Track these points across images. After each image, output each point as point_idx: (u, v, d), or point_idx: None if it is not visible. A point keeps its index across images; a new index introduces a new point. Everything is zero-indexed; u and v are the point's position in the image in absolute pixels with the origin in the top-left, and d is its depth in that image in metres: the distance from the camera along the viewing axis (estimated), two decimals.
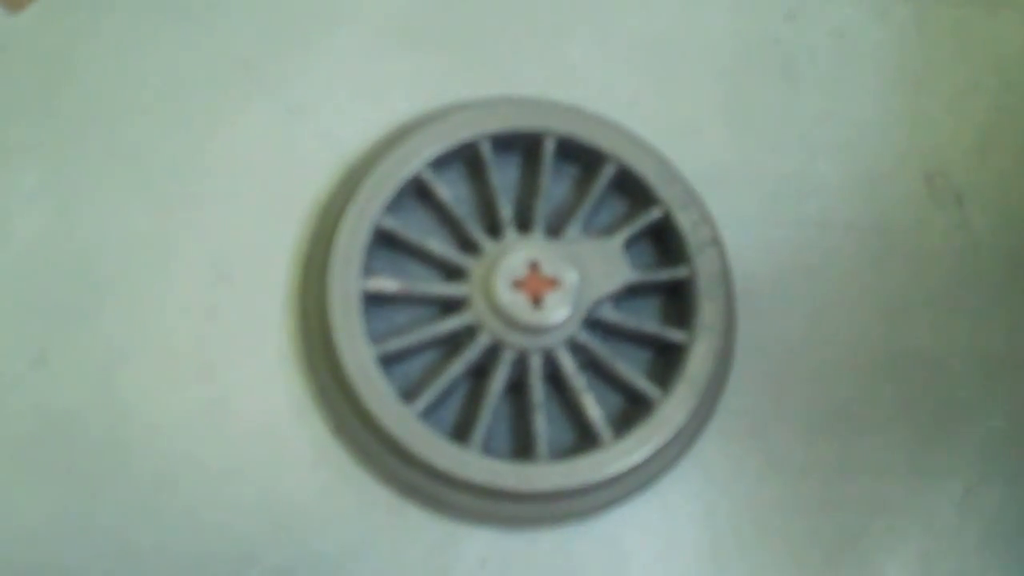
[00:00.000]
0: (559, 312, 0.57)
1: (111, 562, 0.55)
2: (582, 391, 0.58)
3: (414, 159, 0.59)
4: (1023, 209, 0.68)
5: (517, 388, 0.59)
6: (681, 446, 0.59)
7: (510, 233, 0.60)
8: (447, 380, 0.57)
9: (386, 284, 0.58)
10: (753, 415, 0.62)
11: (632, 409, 0.59)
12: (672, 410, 0.58)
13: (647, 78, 0.66)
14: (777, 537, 0.61)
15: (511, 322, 0.57)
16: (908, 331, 0.65)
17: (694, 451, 0.60)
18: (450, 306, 0.59)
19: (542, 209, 0.60)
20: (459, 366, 0.57)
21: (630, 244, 0.61)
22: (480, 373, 0.58)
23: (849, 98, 0.68)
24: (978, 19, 0.71)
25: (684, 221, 0.61)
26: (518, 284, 0.57)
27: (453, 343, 0.58)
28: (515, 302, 0.57)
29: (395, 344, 0.57)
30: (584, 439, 0.58)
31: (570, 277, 0.58)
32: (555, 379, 0.59)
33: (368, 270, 0.58)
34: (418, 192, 0.60)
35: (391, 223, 0.59)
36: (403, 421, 0.55)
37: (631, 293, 0.61)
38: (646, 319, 0.61)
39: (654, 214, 0.61)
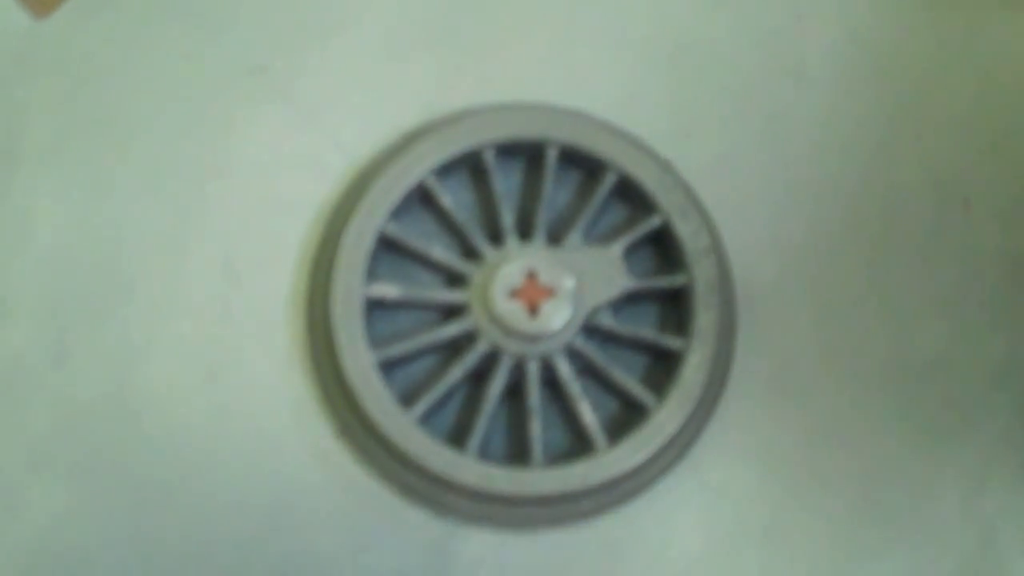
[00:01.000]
0: (555, 321, 0.58)
1: (122, 554, 0.57)
2: (578, 397, 0.59)
3: (419, 166, 0.61)
4: None
5: (514, 393, 0.60)
6: (676, 453, 0.60)
7: (511, 241, 0.61)
8: (446, 386, 0.59)
9: (388, 290, 0.59)
10: (751, 422, 0.63)
11: (627, 415, 0.60)
12: (666, 417, 0.59)
13: (654, 81, 0.67)
14: (774, 542, 0.62)
15: (508, 330, 0.58)
16: (911, 337, 0.65)
17: (689, 458, 0.61)
18: (450, 312, 0.60)
19: (543, 216, 0.62)
20: (458, 372, 0.59)
21: (630, 251, 0.62)
22: (479, 378, 0.60)
23: (857, 100, 0.68)
24: (991, 20, 0.71)
25: (683, 229, 0.62)
26: (515, 293, 0.59)
27: (453, 349, 0.60)
28: (512, 311, 0.58)
29: (396, 350, 0.59)
30: (579, 445, 0.60)
31: (567, 286, 0.59)
32: (552, 385, 0.60)
33: (372, 275, 0.60)
34: (422, 199, 0.62)
35: (395, 229, 0.60)
36: (402, 426, 0.57)
37: (630, 300, 0.62)
38: (644, 326, 0.62)
39: (654, 222, 0.62)
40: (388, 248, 0.61)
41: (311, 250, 0.62)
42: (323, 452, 0.59)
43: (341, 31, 0.65)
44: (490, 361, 0.59)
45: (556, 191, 0.63)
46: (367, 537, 0.59)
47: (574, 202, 0.63)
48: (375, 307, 0.60)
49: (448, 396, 0.60)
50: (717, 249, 0.62)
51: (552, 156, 0.62)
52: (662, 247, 0.63)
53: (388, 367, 0.59)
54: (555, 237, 0.62)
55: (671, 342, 0.61)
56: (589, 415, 0.59)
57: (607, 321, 0.61)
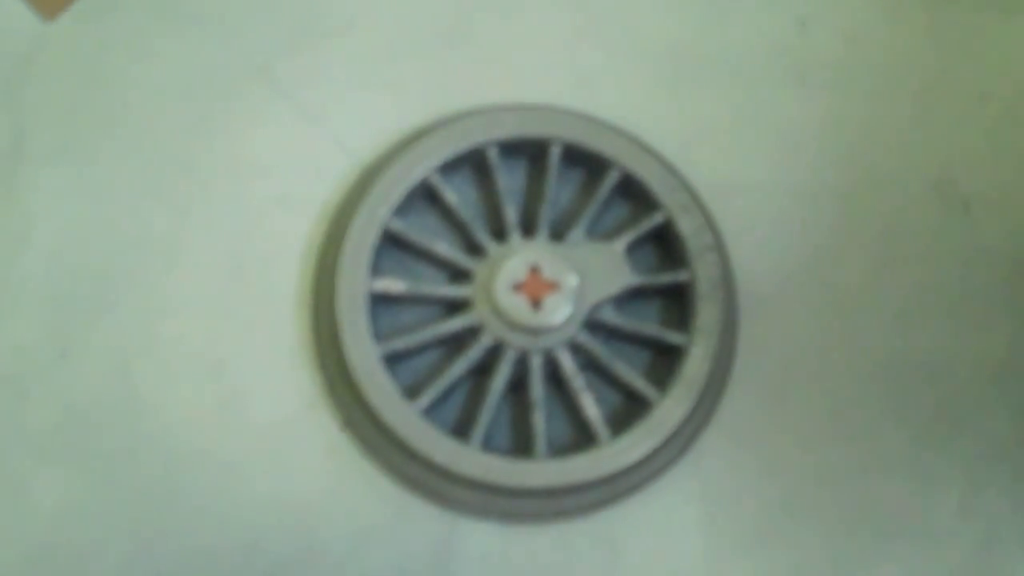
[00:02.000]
0: (558, 314, 0.59)
1: (125, 545, 0.57)
2: (581, 391, 0.60)
3: (423, 164, 0.61)
4: None
5: (518, 387, 0.61)
6: (679, 447, 0.61)
7: (514, 237, 0.61)
8: (450, 379, 0.59)
9: (392, 285, 0.60)
10: (753, 418, 0.63)
11: (630, 409, 0.61)
12: (669, 411, 0.59)
13: (657, 86, 0.68)
14: (774, 538, 0.62)
15: (511, 323, 0.59)
16: (911, 336, 0.66)
17: (692, 452, 0.62)
18: (454, 307, 0.61)
19: (547, 213, 0.62)
20: (462, 365, 0.59)
21: (633, 248, 0.62)
22: (482, 372, 0.60)
23: (859, 104, 0.69)
24: (991, 25, 0.72)
25: (685, 226, 0.62)
26: (518, 287, 0.59)
27: (456, 343, 0.60)
28: (515, 304, 0.59)
29: (400, 343, 0.59)
30: (582, 437, 0.60)
31: (570, 281, 0.59)
32: (555, 379, 0.61)
33: (377, 270, 0.60)
34: (427, 195, 0.62)
35: (399, 225, 0.61)
36: (406, 417, 0.58)
37: (632, 296, 0.62)
38: (646, 321, 0.62)
39: (656, 219, 0.62)
40: (393, 244, 0.61)
41: (316, 246, 0.62)
42: (328, 445, 0.60)
43: (345, 34, 0.66)
44: (493, 355, 0.60)
45: (559, 189, 0.63)
46: (371, 529, 0.59)
47: (577, 199, 0.64)
48: (379, 302, 0.60)
49: (452, 389, 0.60)
50: (719, 247, 0.63)
51: (555, 154, 0.62)
52: (664, 244, 0.63)
53: (393, 361, 0.59)
54: (558, 234, 0.62)
55: (673, 337, 0.61)
56: (592, 408, 0.59)
57: (610, 316, 0.61)
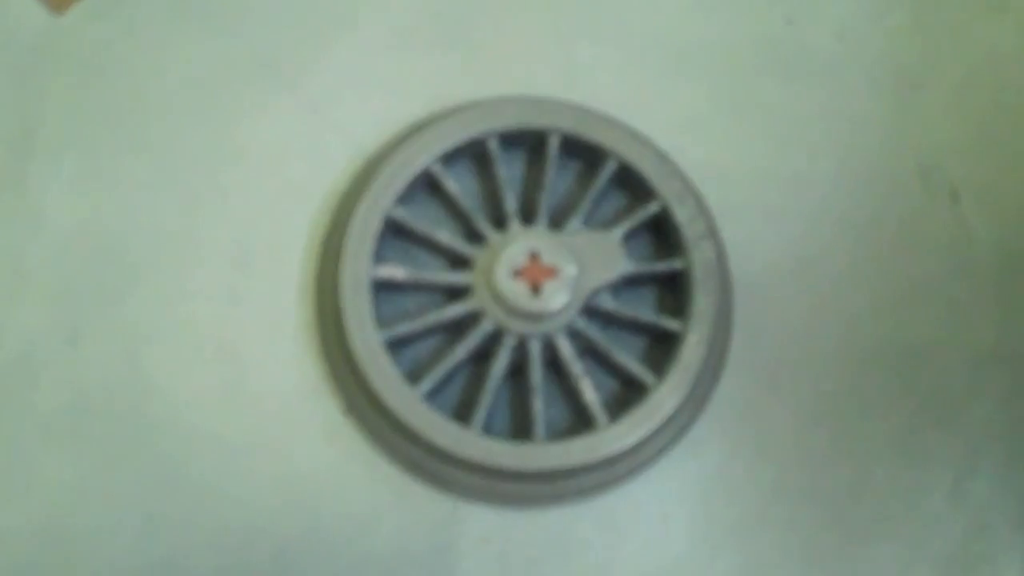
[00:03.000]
0: (557, 299, 0.60)
1: (133, 526, 0.59)
2: (579, 376, 0.61)
3: (425, 153, 0.63)
4: (1016, 204, 0.70)
5: (517, 372, 0.62)
6: (675, 431, 0.62)
7: (514, 225, 0.63)
8: (451, 363, 0.60)
9: (395, 272, 0.61)
10: (747, 403, 0.65)
11: (627, 394, 0.62)
12: (666, 395, 0.61)
13: (652, 79, 0.69)
14: (769, 521, 0.64)
15: (511, 309, 0.60)
16: (901, 323, 0.67)
17: (689, 436, 0.63)
18: (455, 293, 0.62)
19: (545, 202, 0.64)
20: (462, 350, 0.60)
21: (629, 237, 0.63)
22: (482, 357, 0.62)
23: (847, 96, 0.71)
24: (975, 21, 0.73)
25: (681, 215, 0.63)
26: (518, 273, 0.60)
27: (457, 329, 0.62)
28: (515, 290, 0.60)
29: (402, 329, 0.60)
30: (581, 422, 0.61)
31: (569, 267, 0.61)
32: (554, 364, 0.62)
33: (379, 258, 0.61)
34: (428, 185, 0.64)
35: (402, 214, 0.62)
36: (408, 402, 0.59)
37: (629, 284, 0.64)
38: (643, 308, 0.64)
39: (652, 208, 0.64)
40: (395, 233, 0.63)
41: (320, 235, 0.63)
42: (331, 429, 0.61)
43: (349, 28, 0.68)
44: (494, 340, 0.61)
45: (557, 179, 0.65)
46: (372, 511, 0.60)
47: (575, 190, 0.65)
48: (382, 289, 0.61)
49: (453, 375, 0.61)
50: (713, 234, 0.64)
51: (554, 144, 0.64)
52: (660, 233, 0.65)
53: (395, 347, 0.60)
54: (556, 222, 0.64)
55: (670, 323, 0.62)
56: (590, 393, 0.61)
57: (607, 303, 0.63)
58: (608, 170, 0.64)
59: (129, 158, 0.64)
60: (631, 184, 0.65)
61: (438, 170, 0.63)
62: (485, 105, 0.65)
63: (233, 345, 0.62)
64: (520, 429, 0.61)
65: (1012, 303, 0.68)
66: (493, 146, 0.64)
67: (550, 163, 0.64)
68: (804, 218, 0.68)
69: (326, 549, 0.60)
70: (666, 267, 0.64)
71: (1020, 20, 0.74)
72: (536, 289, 0.60)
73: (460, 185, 0.63)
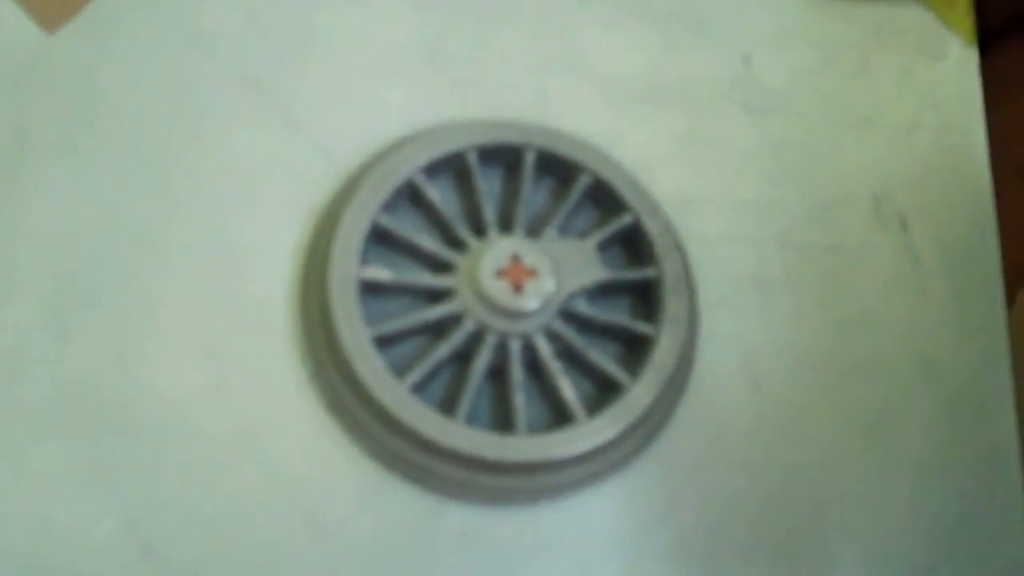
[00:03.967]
0: (537, 298, 0.63)
1: (118, 517, 0.59)
2: (558, 374, 0.63)
3: (408, 165, 0.65)
4: (960, 231, 0.74)
5: (499, 374, 0.64)
6: (649, 430, 0.64)
7: (493, 233, 0.65)
8: (435, 361, 0.62)
9: (381, 273, 0.63)
10: (715, 410, 0.67)
11: (603, 395, 0.64)
12: (640, 393, 0.63)
13: (619, 112, 0.73)
14: (737, 524, 0.66)
15: (494, 307, 0.63)
16: (858, 340, 0.71)
17: (661, 439, 0.65)
18: (438, 296, 0.64)
19: (523, 214, 0.66)
20: (446, 348, 0.62)
21: (603, 248, 0.66)
22: (464, 358, 0.64)
23: (802, 131, 0.75)
24: (917, 66, 0.79)
25: (652, 227, 0.67)
26: (501, 272, 0.63)
27: (440, 329, 0.64)
28: (498, 288, 0.63)
29: (388, 327, 0.62)
30: (560, 418, 0.63)
31: (548, 269, 0.63)
32: (533, 367, 0.64)
33: (364, 263, 0.63)
34: (411, 196, 0.66)
35: (387, 220, 0.64)
36: (394, 394, 0.60)
37: (604, 293, 0.66)
38: (617, 315, 0.66)
39: (625, 220, 0.67)
40: (379, 240, 0.65)
41: (305, 239, 0.65)
42: (314, 425, 0.62)
43: (330, 51, 0.71)
44: (475, 340, 0.63)
45: (533, 192, 0.68)
46: (354, 508, 0.61)
47: (550, 203, 0.69)
48: (367, 294, 0.63)
49: (436, 373, 0.63)
50: (680, 248, 0.67)
51: (530, 159, 0.67)
52: (631, 246, 0.68)
53: (380, 346, 0.62)
54: (533, 232, 0.66)
55: (643, 328, 0.65)
56: (569, 390, 0.63)
57: (583, 308, 0.65)
58: (582, 184, 0.67)
59: (120, 169, 0.66)
60: (603, 199, 0.68)
61: (421, 180, 0.65)
62: (465, 123, 0.68)
63: (219, 344, 0.63)
64: (502, 425, 0.63)
65: (959, 322, 0.72)
66: (472, 159, 0.67)
67: (526, 176, 0.67)
68: (766, 244, 0.72)
69: (306, 543, 0.60)
70: (639, 275, 0.66)
71: (959, 67, 0.79)
72: (518, 288, 0.63)
73: (442, 196, 0.66)
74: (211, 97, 0.68)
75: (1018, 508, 0.69)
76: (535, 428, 0.63)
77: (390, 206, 0.65)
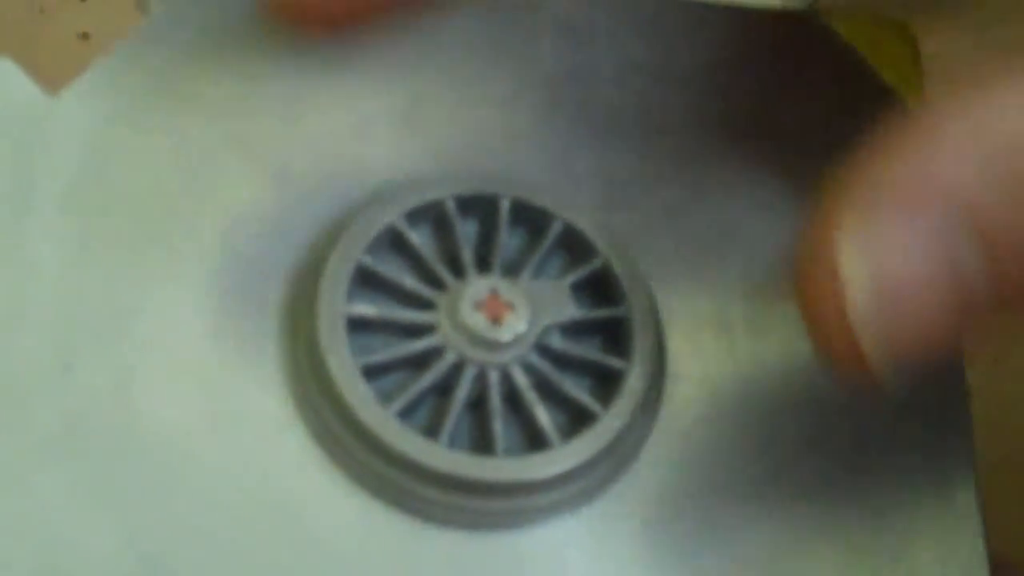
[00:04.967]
0: (514, 330, 0.67)
1: (117, 540, 0.61)
2: (534, 403, 0.66)
3: (391, 212, 0.70)
4: None
5: (478, 405, 0.67)
6: (622, 456, 0.67)
7: (472, 272, 0.70)
8: (418, 389, 0.65)
9: (366, 309, 0.67)
10: (684, 441, 0.70)
11: (577, 425, 0.67)
12: (612, 420, 0.66)
13: (587, 152, 0.78)
14: (707, 551, 0.68)
15: (473, 337, 0.66)
16: (824, 375, 0.74)
17: (635, 466, 0.68)
18: (420, 331, 0.68)
19: (499, 257, 0.71)
20: (428, 379, 0.66)
21: (573, 289, 0.71)
22: (446, 390, 0.67)
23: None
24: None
25: (620, 268, 0.71)
26: (479, 305, 0.67)
27: (423, 361, 0.67)
28: (477, 320, 0.67)
29: (375, 358, 0.66)
30: (536, 444, 0.66)
31: (524, 303, 0.68)
32: (511, 396, 0.67)
33: (350, 302, 0.67)
34: (393, 242, 0.70)
35: (370, 262, 0.68)
36: (380, 419, 0.64)
37: (575, 333, 0.70)
38: (589, 352, 0.70)
39: (596, 263, 0.71)
40: (363, 282, 0.69)
41: (293, 279, 0.69)
42: (302, 454, 0.65)
43: (314, 114, 0.75)
44: (456, 371, 0.67)
45: (509, 238, 0.72)
46: (341, 532, 0.64)
47: (523, 249, 0.72)
48: (352, 331, 0.67)
49: (418, 404, 0.66)
50: (647, 287, 0.72)
51: (505, 206, 0.72)
52: (599, 289, 0.72)
53: (367, 375, 0.65)
54: (509, 274, 0.70)
55: (614, 362, 0.69)
56: (544, 417, 0.66)
57: (558, 343, 0.69)
58: (555, 230, 0.72)
59: (119, 220, 0.69)
60: (573, 245, 0.72)
61: (402, 226, 0.70)
62: (443, 176, 0.73)
63: (215, 377, 0.66)
64: (481, 449, 0.66)
65: None
66: (451, 207, 0.71)
67: (503, 222, 0.71)
68: (724, 274, 0.76)
69: (294, 565, 0.63)
70: (609, 313, 0.71)
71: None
72: (496, 320, 0.67)
73: (422, 241, 0.70)
74: (204, 155, 0.72)
75: None
76: (512, 453, 0.66)
77: (373, 249, 0.69)
